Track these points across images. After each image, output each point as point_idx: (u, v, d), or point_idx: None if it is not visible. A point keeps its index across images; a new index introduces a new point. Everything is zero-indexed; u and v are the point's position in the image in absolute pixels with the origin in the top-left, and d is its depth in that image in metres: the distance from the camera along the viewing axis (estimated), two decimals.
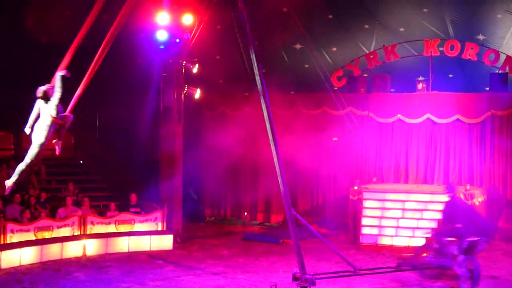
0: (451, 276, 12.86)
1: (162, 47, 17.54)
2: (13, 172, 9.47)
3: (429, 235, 16.08)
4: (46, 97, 9.27)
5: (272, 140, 11.80)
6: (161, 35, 17.27)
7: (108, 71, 19.37)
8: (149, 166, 18.96)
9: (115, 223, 16.30)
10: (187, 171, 18.62)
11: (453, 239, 12.72)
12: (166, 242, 16.48)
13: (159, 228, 16.77)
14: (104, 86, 19.88)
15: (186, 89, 18.27)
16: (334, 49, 21.02)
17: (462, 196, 16.80)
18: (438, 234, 13.44)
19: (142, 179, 18.47)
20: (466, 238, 12.68)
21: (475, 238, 12.66)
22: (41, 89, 9.37)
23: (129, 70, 18.89)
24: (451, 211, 13.42)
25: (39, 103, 9.34)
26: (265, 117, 11.81)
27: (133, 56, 18.50)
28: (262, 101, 11.72)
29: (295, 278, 11.87)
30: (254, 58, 11.76)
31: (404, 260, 13.77)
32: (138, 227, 16.54)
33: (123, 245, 16.06)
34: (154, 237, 16.43)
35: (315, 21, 20.41)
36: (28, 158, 9.42)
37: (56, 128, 9.34)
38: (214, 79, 20.78)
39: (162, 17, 17.15)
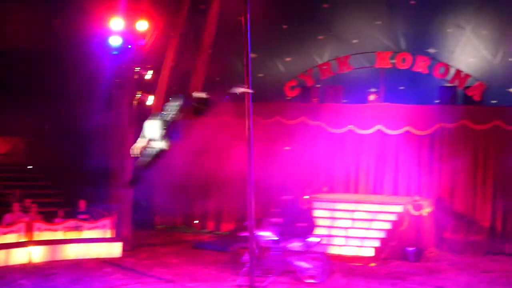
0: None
1: (115, 52, 17.43)
2: None
3: (378, 245, 16.34)
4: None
5: (249, 151, 11.95)
6: (115, 41, 17.18)
7: (59, 76, 19.37)
8: (99, 172, 18.78)
9: (63, 230, 16.09)
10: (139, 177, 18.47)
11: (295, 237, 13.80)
12: (114, 249, 16.33)
13: (108, 236, 16.59)
14: (55, 92, 19.78)
15: (138, 96, 18.17)
16: (288, 59, 21.15)
17: (410, 206, 17.05)
18: (280, 233, 13.89)
19: (92, 186, 18.29)
20: (309, 236, 13.86)
21: (318, 236, 14.19)
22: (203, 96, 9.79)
23: (81, 76, 18.75)
24: (292, 212, 14.20)
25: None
26: (246, 127, 11.96)
27: (85, 61, 18.37)
28: (247, 111, 11.90)
29: None
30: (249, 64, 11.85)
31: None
32: (86, 234, 16.33)
33: (71, 252, 15.86)
34: (102, 244, 16.26)
35: (270, 30, 20.52)
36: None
37: None
38: (167, 86, 20.69)
39: (116, 23, 17.06)
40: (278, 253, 13.82)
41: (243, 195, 20.63)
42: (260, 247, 13.95)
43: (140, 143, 9.65)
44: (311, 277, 13.53)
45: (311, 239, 14.00)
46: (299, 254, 13.72)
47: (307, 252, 13.84)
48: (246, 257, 13.73)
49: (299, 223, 14.00)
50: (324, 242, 14.91)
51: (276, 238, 13.89)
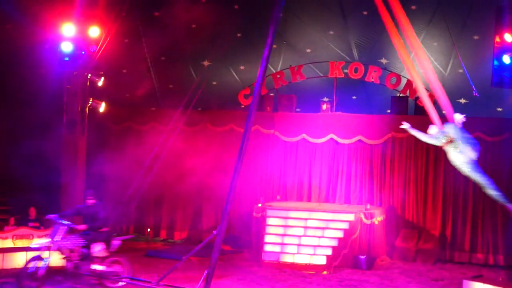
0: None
1: (67, 59, 17.27)
2: None
3: (329, 253, 16.43)
4: None
5: (239, 159, 11.81)
6: (66, 47, 17.03)
7: (9, 82, 19.05)
8: (50, 179, 18.54)
9: (13, 238, 15.77)
10: (90, 185, 18.29)
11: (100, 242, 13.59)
12: None
13: None
14: (5, 98, 19.44)
15: (90, 102, 18.01)
16: (242, 67, 21.20)
17: (362, 215, 17.20)
18: (84, 239, 13.53)
19: (43, 193, 18.04)
20: (113, 240, 13.77)
21: (121, 238, 14.10)
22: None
23: (32, 82, 18.47)
24: (95, 216, 13.75)
25: None
26: (243, 136, 11.85)
27: (36, 67, 18.11)
28: (249, 119, 11.83)
29: None
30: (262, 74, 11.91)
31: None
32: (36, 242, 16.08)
33: (21, 260, 15.51)
34: (53, 252, 15.96)
35: (224, 39, 20.53)
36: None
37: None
38: (120, 93, 20.58)
39: (68, 29, 16.93)
40: (81, 259, 13.44)
41: (197, 204, 20.77)
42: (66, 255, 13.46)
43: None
44: (114, 281, 13.46)
45: (114, 243, 13.83)
46: (102, 259, 13.56)
47: (109, 257, 13.69)
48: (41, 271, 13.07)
49: (103, 228, 13.76)
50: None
51: (67, 242, 13.40)
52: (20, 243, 15.83)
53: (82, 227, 13.55)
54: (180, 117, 19.47)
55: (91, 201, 13.94)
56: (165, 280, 13.83)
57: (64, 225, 13.40)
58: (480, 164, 18.29)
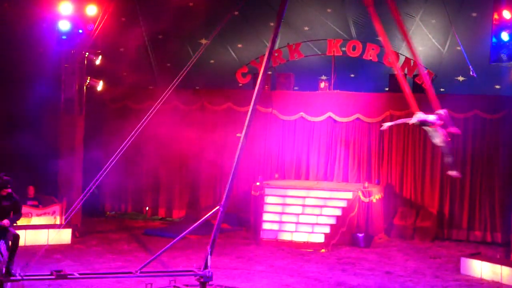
0: None
1: (64, 37, 17.21)
2: None
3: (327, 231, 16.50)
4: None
5: (243, 139, 11.72)
6: (64, 25, 16.97)
7: (7, 61, 18.97)
8: (48, 158, 18.55)
9: None
10: (88, 164, 18.30)
11: None
12: (64, 236, 16.09)
13: (57, 222, 16.43)
14: (2, 77, 19.39)
15: (88, 81, 17.97)
16: (240, 45, 21.13)
17: (360, 193, 17.25)
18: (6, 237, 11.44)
19: (41, 172, 18.06)
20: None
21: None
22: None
23: (30, 61, 18.39)
24: (20, 208, 11.80)
25: None
26: (247, 117, 11.76)
27: (34, 46, 18.03)
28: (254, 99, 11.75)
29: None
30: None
31: None
32: (35, 220, 16.15)
33: (20, 239, 15.58)
34: (52, 231, 15.99)
35: (221, 17, 20.42)
36: None
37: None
38: (117, 72, 20.51)
39: (65, 7, 16.86)
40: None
41: (195, 182, 20.79)
42: None
43: None
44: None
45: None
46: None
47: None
48: None
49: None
50: None
51: None
52: (19, 222, 15.82)
53: (5, 223, 11.13)
54: (177, 96, 19.34)
55: (7, 190, 11.38)
56: (164, 258, 13.91)
57: None
58: (478, 141, 18.52)
